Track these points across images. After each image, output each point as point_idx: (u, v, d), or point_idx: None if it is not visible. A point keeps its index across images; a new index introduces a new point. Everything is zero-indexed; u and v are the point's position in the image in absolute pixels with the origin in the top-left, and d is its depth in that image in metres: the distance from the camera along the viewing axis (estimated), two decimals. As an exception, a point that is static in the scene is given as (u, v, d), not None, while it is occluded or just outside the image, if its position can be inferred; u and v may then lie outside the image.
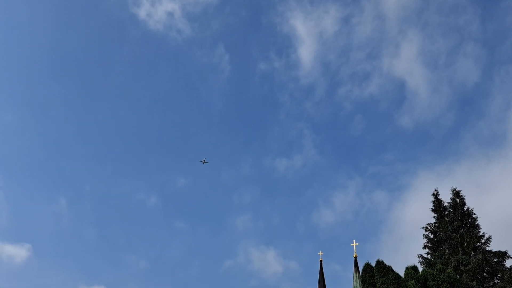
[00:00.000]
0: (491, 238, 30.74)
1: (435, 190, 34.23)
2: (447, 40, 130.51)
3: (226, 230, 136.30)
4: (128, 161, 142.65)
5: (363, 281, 28.49)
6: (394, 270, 27.85)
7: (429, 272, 28.48)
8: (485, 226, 32.20)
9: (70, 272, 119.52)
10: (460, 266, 30.08)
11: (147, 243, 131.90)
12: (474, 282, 28.89)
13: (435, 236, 33.01)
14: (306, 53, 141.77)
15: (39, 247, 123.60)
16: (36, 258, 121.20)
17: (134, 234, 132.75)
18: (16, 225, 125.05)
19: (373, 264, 28.62)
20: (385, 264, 28.04)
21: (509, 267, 29.67)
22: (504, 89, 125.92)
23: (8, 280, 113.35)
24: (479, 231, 31.12)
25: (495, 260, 30.14)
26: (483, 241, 30.87)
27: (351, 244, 56.57)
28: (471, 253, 30.77)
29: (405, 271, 28.62)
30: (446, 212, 33.16)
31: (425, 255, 32.73)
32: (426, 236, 33.33)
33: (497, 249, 30.44)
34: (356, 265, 59.35)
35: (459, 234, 31.44)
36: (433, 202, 33.89)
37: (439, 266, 29.22)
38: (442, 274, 28.18)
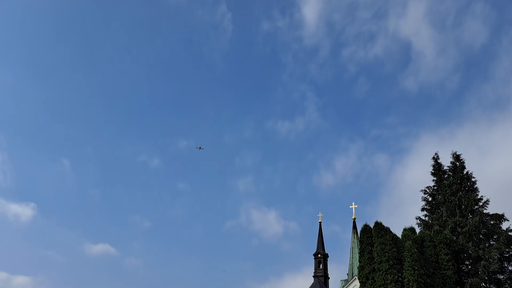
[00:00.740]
0: (489, 201, 31.06)
1: (435, 154, 34.39)
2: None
3: (228, 192, 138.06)
4: (130, 123, 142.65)
5: (361, 242, 29.02)
6: (392, 232, 28.35)
7: (426, 233, 29.01)
8: (484, 189, 32.47)
9: (75, 231, 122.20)
10: (457, 228, 30.56)
11: (150, 204, 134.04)
12: (470, 244, 29.43)
13: (433, 199, 33.36)
14: (310, 12, 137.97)
15: (44, 206, 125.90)
16: (41, 217, 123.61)
17: (137, 195, 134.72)
18: (20, 185, 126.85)
19: (372, 226, 29.10)
20: (383, 225, 28.50)
21: (505, 229, 30.07)
22: (511, 51, 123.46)
23: (15, 238, 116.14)
24: (477, 194, 31.40)
25: (491, 222, 30.55)
26: (480, 204, 31.19)
27: (350, 207, 57.65)
28: (469, 215, 31.18)
29: (402, 232, 29.16)
30: (446, 176, 33.37)
31: (423, 217, 33.21)
32: (425, 199, 33.67)
33: (494, 212, 30.79)
34: (354, 227, 60.57)
35: (457, 197, 31.75)
36: (433, 166, 34.05)
37: (436, 227, 29.72)
38: (439, 235, 28.72)
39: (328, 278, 43.54)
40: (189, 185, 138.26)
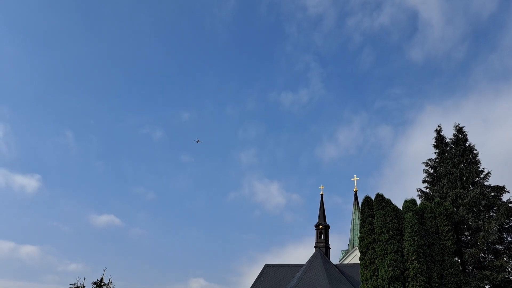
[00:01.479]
0: (490, 173, 31.17)
1: (438, 126, 34.32)
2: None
3: (231, 164, 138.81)
4: (133, 95, 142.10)
5: (362, 213, 29.31)
6: (393, 203, 28.58)
7: (427, 205, 29.27)
8: (487, 161, 32.47)
9: (80, 202, 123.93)
10: (458, 200, 30.82)
11: (154, 176, 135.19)
12: (470, 215, 29.73)
13: (435, 171, 33.49)
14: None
15: (48, 177, 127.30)
16: (46, 188, 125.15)
17: (141, 166, 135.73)
18: (25, 157, 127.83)
19: (373, 198, 29.32)
20: (384, 197, 28.70)
21: (505, 201, 30.31)
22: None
23: (21, 209, 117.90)
24: (478, 167, 31.50)
25: (492, 194, 30.75)
26: (482, 176, 31.33)
27: (352, 179, 58.04)
28: (470, 187, 31.38)
29: (403, 204, 29.41)
30: (448, 148, 33.41)
31: (424, 189, 33.44)
32: (426, 171, 33.80)
33: (495, 184, 30.95)
34: (356, 199, 61.26)
35: (458, 169, 31.87)
36: (435, 138, 34.05)
37: (437, 199, 29.97)
38: (439, 207, 28.99)
39: (329, 248, 44.27)
40: (192, 157, 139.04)
